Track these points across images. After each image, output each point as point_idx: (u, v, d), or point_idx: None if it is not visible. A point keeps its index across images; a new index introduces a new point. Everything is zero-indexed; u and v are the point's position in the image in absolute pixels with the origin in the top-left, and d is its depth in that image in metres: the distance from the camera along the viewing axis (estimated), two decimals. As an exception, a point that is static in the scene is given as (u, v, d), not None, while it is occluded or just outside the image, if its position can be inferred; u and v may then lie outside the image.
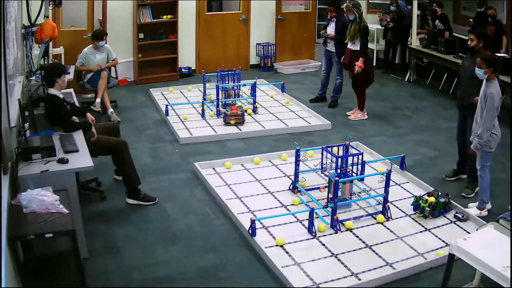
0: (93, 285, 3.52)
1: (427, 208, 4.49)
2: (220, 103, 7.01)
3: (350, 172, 4.77)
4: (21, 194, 3.18)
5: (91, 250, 3.97)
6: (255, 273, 3.82)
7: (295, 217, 4.52)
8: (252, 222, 4.16)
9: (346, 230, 4.33)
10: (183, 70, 9.11)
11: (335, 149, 4.82)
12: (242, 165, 5.58)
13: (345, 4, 6.91)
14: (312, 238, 4.20)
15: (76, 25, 8.01)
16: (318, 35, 10.18)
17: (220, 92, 7.06)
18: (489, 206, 4.64)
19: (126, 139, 5.10)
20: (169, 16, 8.67)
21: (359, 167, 4.74)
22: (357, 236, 4.25)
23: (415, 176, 5.24)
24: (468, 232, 4.23)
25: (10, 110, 3.63)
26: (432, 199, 4.53)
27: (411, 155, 5.82)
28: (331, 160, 4.71)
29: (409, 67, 9.19)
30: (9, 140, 3.58)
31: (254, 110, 7.19)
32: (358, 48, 6.84)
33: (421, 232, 4.33)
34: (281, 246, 4.08)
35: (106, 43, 7.11)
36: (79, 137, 4.29)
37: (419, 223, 4.45)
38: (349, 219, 4.42)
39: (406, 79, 9.16)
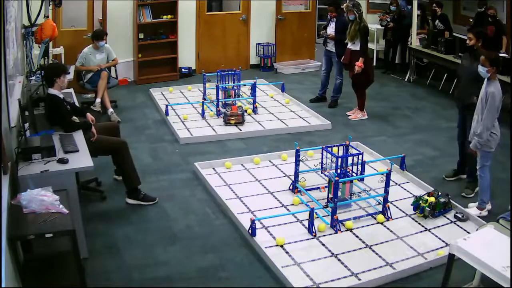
0: (93, 285, 3.52)
1: (427, 208, 4.48)
2: (220, 103, 7.02)
3: (350, 172, 4.77)
4: (21, 194, 3.18)
5: (91, 250, 3.97)
6: (255, 273, 3.82)
7: (295, 217, 4.52)
8: (252, 222, 4.16)
9: (346, 230, 4.33)
10: (183, 70, 9.11)
11: (335, 149, 4.82)
12: (242, 165, 5.58)
13: (345, 4, 6.91)
14: (312, 238, 4.21)
15: (76, 25, 8.01)
16: (318, 35, 10.18)
17: (220, 92, 7.06)
18: (489, 206, 4.64)
19: (126, 139, 5.10)
20: (169, 16, 8.67)
21: (359, 167, 4.74)
22: (357, 236, 4.25)
23: (415, 176, 5.24)
24: (468, 232, 4.23)
25: (10, 110, 3.63)
26: (432, 199, 4.53)
27: (411, 155, 5.82)
28: (331, 160, 4.71)
29: (409, 67, 9.19)
30: (9, 140, 3.58)
31: (254, 110, 7.19)
32: (358, 48, 6.85)
33: (421, 232, 4.33)
34: (281, 246, 4.08)
35: (106, 43, 7.11)
36: (79, 137, 4.29)
37: (419, 223, 4.45)
38: (349, 219, 4.42)
39: (406, 79, 9.16)
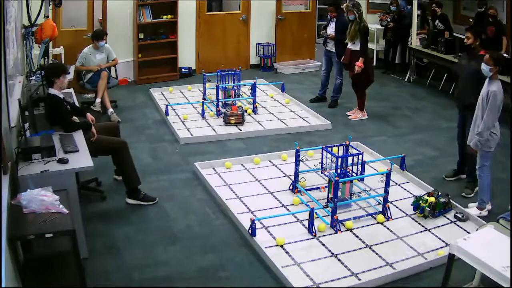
0: (93, 285, 3.52)
1: (427, 208, 4.48)
2: (220, 103, 7.02)
3: (350, 172, 4.77)
4: (21, 194, 3.18)
5: (91, 250, 3.97)
6: (255, 273, 3.82)
7: (295, 217, 4.52)
8: (252, 222, 4.16)
9: (346, 230, 4.33)
10: (183, 70, 9.11)
11: (335, 149, 4.82)
12: (242, 165, 5.58)
13: (345, 4, 6.91)
14: (312, 238, 4.20)
15: (76, 25, 8.01)
16: (318, 35, 10.18)
17: (220, 92, 7.06)
18: (489, 207, 4.64)
19: (126, 139, 5.10)
20: (169, 16, 8.67)
21: (359, 167, 4.74)
22: (357, 236, 4.25)
23: (415, 176, 5.24)
24: (468, 232, 4.23)
25: (10, 110, 3.63)
26: (432, 199, 4.53)
27: (411, 155, 5.82)
28: (331, 160, 4.71)
29: (409, 67, 9.19)
30: (9, 140, 3.58)
31: (254, 110, 7.19)
32: (358, 48, 6.85)
33: (421, 232, 4.33)
34: (281, 246, 4.08)
35: (106, 43, 7.12)
36: (79, 137, 4.29)
37: (419, 223, 4.45)
38: (349, 219, 4.42)
39: (406, 79, 9.16)
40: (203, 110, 7.02)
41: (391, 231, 4.34)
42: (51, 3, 6.36)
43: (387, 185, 4.51)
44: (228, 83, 7.43)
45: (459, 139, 5.22)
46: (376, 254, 4.01)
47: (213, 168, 5.46)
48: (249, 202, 4.77)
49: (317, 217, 4.42)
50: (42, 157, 3.77)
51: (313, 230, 4.24)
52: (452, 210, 4.61)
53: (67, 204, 3.24)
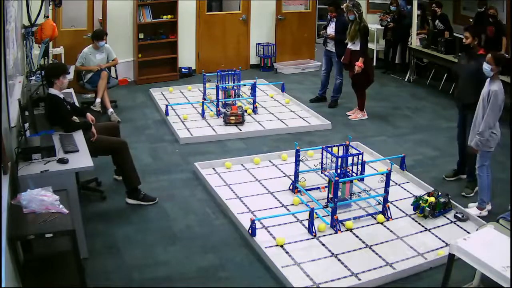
0: (93, 285, 3.52)
1: (427, 208, 4.48)
2: (220, 103, 7.02)
3: (350, 172, 4.77)
4: (21, 194, 3.18)
5: (91, 250, 3.97)
6: (255, 273, 3.82)
7: (295, 217, 4.52)
8: (252, 222, 4.16)
9: (346, 230, 4.33)
10: (183, 70, 9.11)
11: (335, 149, 4.82)
12: (242, 165, 5.58)
13: (345, 4, 6.91)
14: (312, 238, 4.20)
15: (76, 25, 8.01)
16: (318, 35, 10.18)
17: (220, 92, 7.06)
18: (489, 207, 4.64)
19: (126, 139, 5.10)
20: (169, 16, 8.67)
21: (359, 167, 4.74)
22: (357, 236, 4.25)
23: (415, 176, 5.24)
24: (468, 232, 4.23)
25: (10, 110, 3.63)
26: (432, 199, 4.53)
27: (411, 155, 5.82)
28: (331, 160, 4.71)
29: (409, 67, 9.19)
30: (9, 140, 3.58)
31: (254, 110, 7.19)
32: (358, 48, 6.85)
33: (421, 232, 4.33)
34: (281, 246, 4.08)
35: (106, 43, 7.12)
36: (79, 137, 4.29)
37: (419, 223, 4.45)
38: (349, 219, 4.42)
39: (406, 79, 9.16)
40: (203, 110, 7.02)
41: (391, 231, 4.34)
42: (51, 3, 6.36)
43: (387, 185, 4.51)
44: (228, 83, 7.43)
45: (459, 139, 5.23)
46: (376, 254, 4.01)
47: (213, 168, 5.46)
48: (249, 202, 4.77)
49: (317, 217, 4.42)
50: (42, 157, 3.77)
51: (313, 230, 4.24)
52: (452, 210, 4.61)
53: (67, 204, 3.24)
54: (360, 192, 4.82)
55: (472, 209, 4.64)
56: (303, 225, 4.38)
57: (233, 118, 6.67)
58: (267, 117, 7.06)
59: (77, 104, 5.28)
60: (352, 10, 6.76)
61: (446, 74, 8.38)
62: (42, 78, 5.18)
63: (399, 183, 5.18)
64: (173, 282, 3.71)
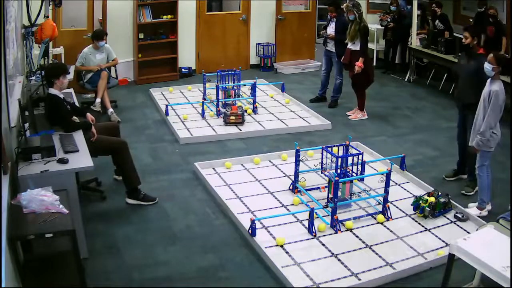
0: (93, 285, 3.52)
1: (427, 208, 4.48)
2: (220, 103, 7.02)
3: (350, 172, 4.77)
4: (21, 194, 3.18)
5: (91, 250, 3.97)
6: (255, 273, 3.82)
7: (295, 217, 4.52)
8: (252, 222, 4.16)
9: (346, 230, 4.33)
10: (183, 70, 9.11)
11: (335, 149, 4.82)
12: (242, 165, 5.58)
13: (345, 4, 6.91)
14: (312, 238, 4.20)
15: (76, 25, 8.01)
16: (318, 35, 10.18)
17: (220, 92, 7.06)
18: (489, 207, 4.64)
19: (126, 139, 5.10)
20: (169, 16, 8.67)
21: (359, 167, 4.74)
22: (357, 236, 4.25)
23: (415, 176, 5.24)
24: (468, 232, 4.23)
25: (10, 110, 3.63)
26: (432, 199, 4.53)
27: (411, 155, 5.82)
28: (331, 160, 4.71)
29: (409, 67, 9.19)
30: (9, 140, 3.58)
31: (254, 110, 7.19)
32: (358, 48, 6.85)
33: (421, 232, 4.33)
34: (281, 246, 4.08)
35: (106, 43, 7.12)
36: (79, 137, 4.29)
37: (419, 223, 4.45)
38: (349, 219, 4.42)
39: (406, 79, 9.16)
40: (203, 110, 7.02)
41: (391, 231, 4.34)
42: (51, 3, 6.36)
43: (387, 185, 4.51)
44: (228, 83, 7.43)
45: (459, 139, 5.23)
46: (376, 254, 4.01)
47: (213, 168, 5.46)
48: (249, 202, 4.77)
49: (317, 217, 4.42)
50: (42, 157, 3.77)
51: (313, 230, 4.24)
52: (452, 210, 4.61)
53: (67, 204, 3.24)
54: (360, 192, 4.82)
55: (472, 209, 4.64)
56: (303, 225, 4.38)
57: (233, 118, 6.67)
58: (267, 117, 7.06)
59: (77, 104, 5.28)
60: (352, 10, 6.76)
61: (446, 74, 8.38)
62: (42, 78, 5.18)
63: (399, 183, 5.18)
64: (173, 282, 3.71)
